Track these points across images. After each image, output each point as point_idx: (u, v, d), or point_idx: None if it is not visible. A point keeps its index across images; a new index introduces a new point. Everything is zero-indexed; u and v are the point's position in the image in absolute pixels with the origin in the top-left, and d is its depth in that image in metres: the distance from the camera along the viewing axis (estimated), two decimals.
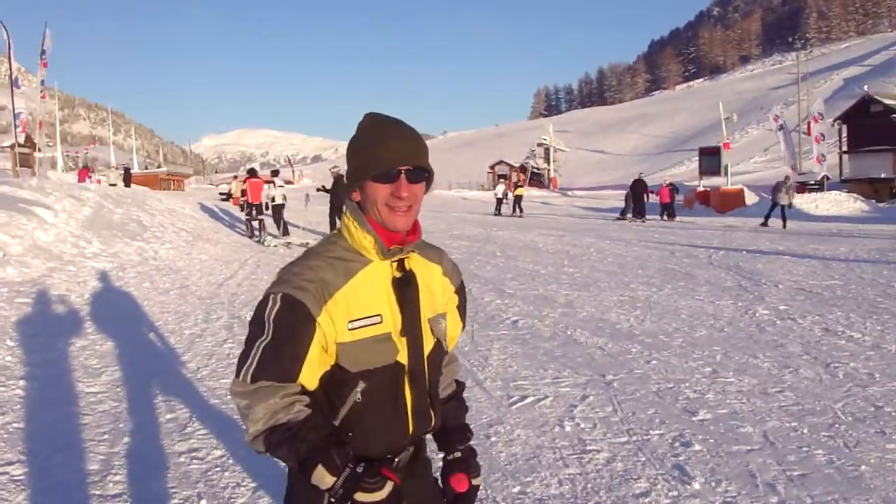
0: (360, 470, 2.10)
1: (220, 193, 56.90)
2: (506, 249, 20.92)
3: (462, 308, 2.66)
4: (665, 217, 34.88)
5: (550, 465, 5.38)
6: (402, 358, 2.31)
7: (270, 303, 2.19)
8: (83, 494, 5.05)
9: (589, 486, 5.01)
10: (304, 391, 2.23)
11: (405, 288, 2.34)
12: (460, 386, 2.77)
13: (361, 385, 2.23)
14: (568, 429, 6.10)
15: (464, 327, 2.71)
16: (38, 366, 8.15)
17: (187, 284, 14.53)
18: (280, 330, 2.17)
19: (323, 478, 2.06)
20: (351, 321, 2.21)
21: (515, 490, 5.00)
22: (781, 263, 16.26)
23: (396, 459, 2.37)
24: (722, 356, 8.33)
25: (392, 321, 2.29)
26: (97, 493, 5.06)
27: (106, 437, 6.08)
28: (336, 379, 2.25)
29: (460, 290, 2.63)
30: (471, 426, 2.71)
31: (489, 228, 29.88)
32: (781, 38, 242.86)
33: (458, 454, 2.59)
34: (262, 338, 2.19)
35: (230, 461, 5.53)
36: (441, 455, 2.63)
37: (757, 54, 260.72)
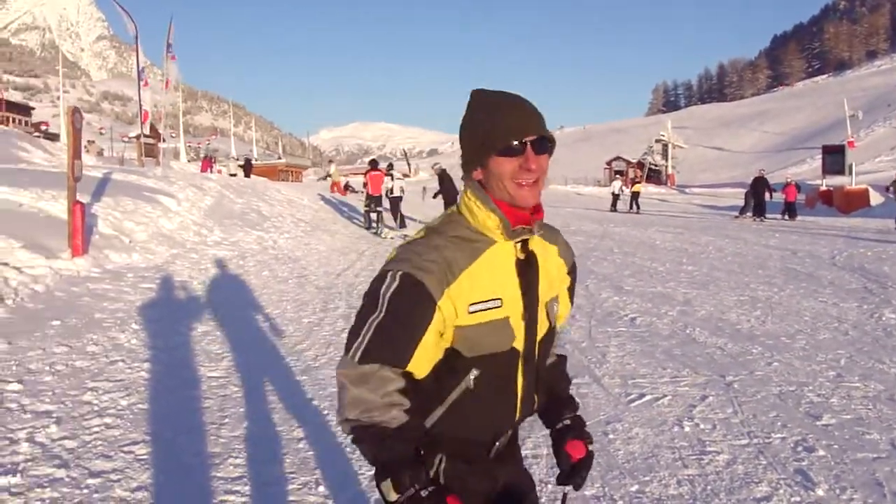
0: (424, 494, 2.00)
1: (321, 178, 57.76)
2: (623, 246, 20.72)
3: (572, 289, 2.59)
4: (786, 216, 34.03)
5: (669, 465, 5.33)
6: (518, 344, 2.23)
7: (389, 279, 2.10)
8: (205, 476, 5.20)
9: (708, 487, 4.95)
10: (410, 381, 2.12)
11: (528, 271, 2.26)
12: (562, 358, 2.69)
13: (475, 372, 2.17)
14: (687, 429, 6.02)
15: (571, 308, 2.63)
16: (162, 350, 8.41)
17: (305, 274, 14.80)
18: (396, 310, 2.08)
19: (389, 491, 2.01)
20: (472, 304, 2.12)
21: (633, 489, 4.96)
22: None
23: (497, 444, 2.32)
24: (847, 360, 8.10)
25: (512, 305, 2.20)
26: (219, 475, 5.20)
27: (227, 420, 6.24)
28: (448, 364, 2.18)
29: (573, 271, 2.57)
30: (588, 423, 2.63)
31: (606, 224, 29.63)
32: None
33: (567, 422, 2.51)
34: (375, 315, 2.10)
35: (348, 449, 5.60)
36: (547, 430, 2.57)
37: (885, 49, 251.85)
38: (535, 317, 2.28)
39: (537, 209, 2.26)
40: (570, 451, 2.40)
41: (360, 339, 2.11)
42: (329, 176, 49.00)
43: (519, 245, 2.24)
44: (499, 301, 2.16)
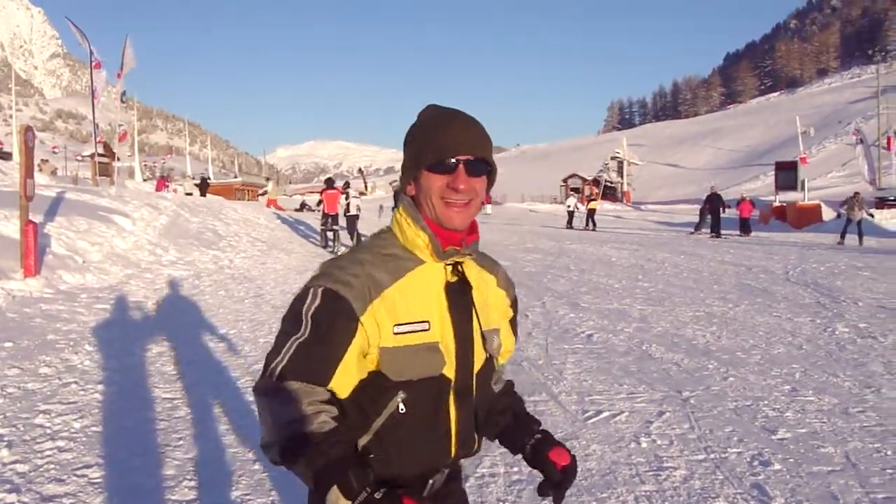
0: (378, 496, 1.81)
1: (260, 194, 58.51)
2: (579, 263, 20.79)
3: (514, 322, 2.48)
4: (741, 232, 34.39)
5: (626, 481, 5.33)
6: (449, 371, 2.10)
7: (310, 297, 1.99)
8: (160, 498, 5.13)
9: (666, 503, 4.96)
10: (333, 399, 1.97)
11: (459, 295, 2.15)
12: (510, 383, 2.54)
13: (401, 396, 2.03)
14: (644, 445, 6.04)
15: (515, 341, 2.53)
16: (116, 371, 8.29)
17: (261, 293, 14.69)
18: (318, 327, 1.96)
19: (338, 500, 1.80)
20: (397, 324, 2.01)
21: None
22: (861, 280, 15.92)
23: (431, 481, 2.19)
24: (801, 374, 8.19)
25: (441, 330, 2.08)
26: (174, 497, 5.13)
27: (181, 442, 6.16)
28: (373, 387, 2.03)
29: (515, 304, 2.47)
30: None
31: (562, 242, 29.77)
32: (861, 51, 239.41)
33: (540, 435, 2.37)
34: (297, 335, 1.97)
35: None
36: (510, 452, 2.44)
37: (835, 67, 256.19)
38: (470, 345, 2.17)
39: (472, 230, 2.19)
40: (555, 458, 2.27)
41: (279, 358, 1.97)
42: (265, 193, 51.06)
43: (450, 268, 2.16)
44: (426, 324, 2.06)
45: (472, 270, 2.22)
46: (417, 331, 2.04)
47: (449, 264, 2.14)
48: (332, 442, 1.85)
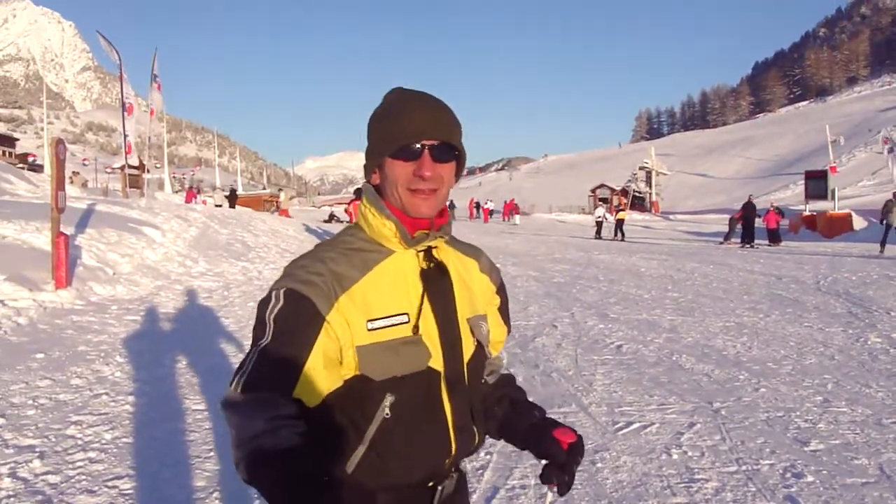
0: None
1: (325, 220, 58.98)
2: (608, 273, 20.72)
3: (505, 310, 2.37)
4: (770, 242, 34.16)
5: (658, 493, 5.29)
6: (437, 363, 1.98)
7: (273, 300, 1.89)
8: None
9: None
10: (300, 409, 1.82)
11: (436, 281, 2.03)
12: (509, 375, 2.41)
13: (389, 398, 1.90)
14: (675, 457, 5.99)
15: (509, 331, 2.41)
16: (147, 382, 8.32)
17: None
18: (280, 329, 1.85)
19: None
20: (370, 320, 1.89)
21: None
22: (893, 290, 15.74)
23: (440, 488, 2.07)
24: (833, 385, 8.12)
25: (423, 320, 1.97)
26: None
27: (212, 454, 6.17)
28: (358, 393, 1.90)
29: (501, 290, 2.35)
30: None
31: (590, 252, 29.66)
32: (891, 59, 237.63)
33: (538, 420, 2.23)
34: (262, 340, 1.86)
35: None
36: (514, 442, 2.29)
37: (865, 75, 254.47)
38: (456, 333, 2.04)
39: (441, 214, 2.07)
40: (559, 436, 2.12)
41: (244, 368, 1.85)
42: (279, 203, 52.96)
43: (422, 254, 2.04)
44: (405, 316, 1.95)
45: (448, 255, 2.14)
46: (395, 324, 1.93)
47: (421, 251, 2.04)
48: (292, 457, 1.70)
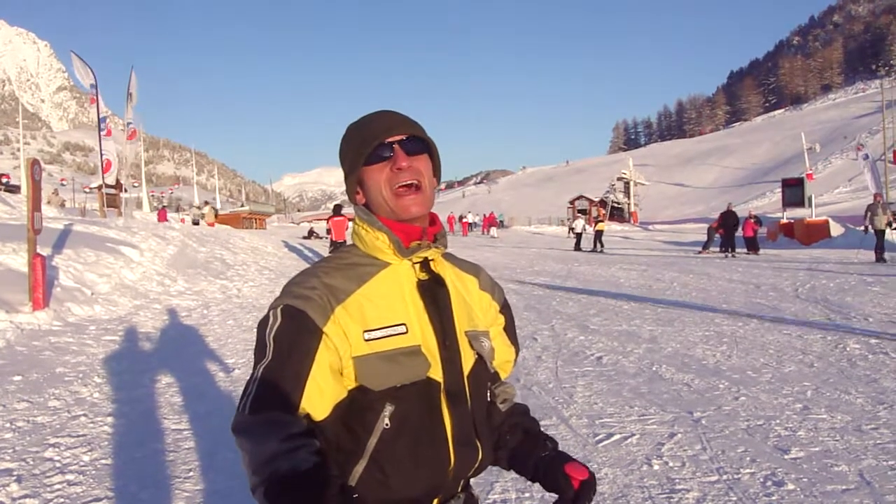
0: None
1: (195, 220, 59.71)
2: (588, 285, 20.74)
3: (511, 329, 2.36)
4: (749, 250, 34.30)
5: None
6: (436, 374, 1.96)
7: (271, 319, 1.90)
8: None
9: None
10: (311, 424, 1.82)
11: (433, 291, 2.04)
12: (523, 405, 2.38)
13: (389, 409, 1.89)
14: (656, 467, 5.99)
15: (517, 351, 2.40)
16: (125, 403, 8.28)
17: None
18: (280, 347, 1.85)
19: None
20: (367, 331, 1.90)
21: None
22: (870, 296, 15.87)
23: None
24: (813, 392, 8.14)
25: (420, 331, 1.96)
26: None
27: (191, 474, 6.13)
28: (358, 405, 1.90)
29: (505, 309, 2.34)
30: None
31: (570, 264, 29.71)
32: (864, 66, 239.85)
33: (551, 452, 2.19)
34: (264, 360, 1.86)
35: None
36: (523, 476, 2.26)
37: (839, 83, 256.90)
38: (455, 345, 2.03)
39: (433, 221, 2.11)
40: (571, 472, 2.08)
41: (249, 390, 1.85)
42: (203, 217, 54.37)
43: (418, 266, 2.05)
44: (403, 326, 1.94)
45: (445, 270, 2.14)
46: (394, 335, 1.93)
47: (417, 262, 2.05)
48: (312, 480, 1.72)
